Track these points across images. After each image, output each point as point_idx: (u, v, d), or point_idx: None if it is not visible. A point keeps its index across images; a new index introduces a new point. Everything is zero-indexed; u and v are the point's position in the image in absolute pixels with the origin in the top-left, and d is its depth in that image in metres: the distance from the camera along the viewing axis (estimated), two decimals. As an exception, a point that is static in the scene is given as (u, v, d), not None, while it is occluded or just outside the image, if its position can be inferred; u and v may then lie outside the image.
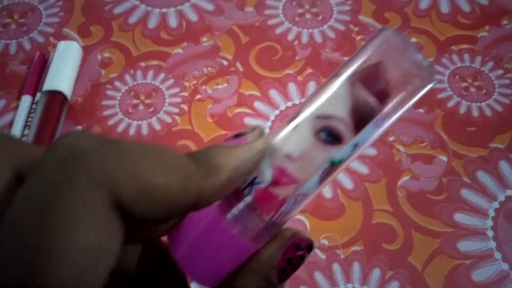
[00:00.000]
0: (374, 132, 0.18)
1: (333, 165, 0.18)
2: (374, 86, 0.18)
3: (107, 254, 0.15)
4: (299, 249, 0.19)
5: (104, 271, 0.15)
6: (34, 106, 0.45)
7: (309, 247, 0.19)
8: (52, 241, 0.14)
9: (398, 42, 0.18)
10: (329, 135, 0.18)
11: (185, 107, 0.46)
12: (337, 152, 0.18)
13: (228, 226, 0.18)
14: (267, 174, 0.18)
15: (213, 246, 0.18)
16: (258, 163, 0.18)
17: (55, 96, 0.44)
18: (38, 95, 0.45)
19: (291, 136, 0.18)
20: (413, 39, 0.49)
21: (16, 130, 0.44)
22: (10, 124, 0.45)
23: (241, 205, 0.18)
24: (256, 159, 0.17)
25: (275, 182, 0.18)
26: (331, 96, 0.18)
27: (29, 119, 0.44)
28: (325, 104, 0.18)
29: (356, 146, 0.18)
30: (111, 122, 0.45)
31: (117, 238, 0.15)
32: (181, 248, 0.18)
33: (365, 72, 0.18)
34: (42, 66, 0.48)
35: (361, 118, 0.18)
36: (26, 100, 0.45)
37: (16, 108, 0.46)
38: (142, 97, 0.46)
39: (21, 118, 0.44)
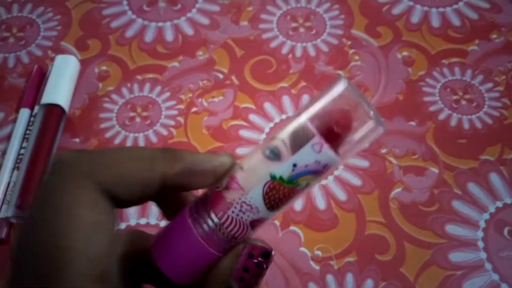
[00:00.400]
0: (312, 156, 0.20)
1: (274, 181, 0.20)
2: (322, 122, 0.20)
3: (103, 227, 0.20)
4: (253, 257, 0.21)
5: (102, 240, 0.20)
6: (32, 119, 0.45)
7: (264, 254, 0.21)
8: (59, 222, 0.19)
9: (349, 90, 0.21)
10: (271, 152, 0.20)
11: (181, 119, 0.47)
12: (276, 168, 0.20)
13: (190, 226, 0.21)
14: (225, 182, 0.21)
15: (179, 243, 0.21)
16: (219, 171, 0.21)
17: (53, 109, 0.45)
18: (36, 108, 0.46)
19: (250, 153, 0.22)
20: (405, 53, 0.50)
21: (15, 143, 0.44)
22: (9, 136, 0.45)
23: (200, 205, 0.21)
24: (215, 165, 0.21)
25: (226, 187, 0.21)
26: (285, 124, 0.21)
27: (28, 131, 0.45)
28: (278, 130, 0.21)
29: (295, 166, 0.20)
30: (108, 134, 0.46)
31: (109, 215, 0.20)
32: (158, 247, 0.21)
33: (318, 112, 0.21)
34: (40, 79, 0.48)
35: (299, 142, 0.20)
36: (24, 113, 0.46)
37: (14, 120, 0.46)
38: (139, 110, 0.47)
39: (19, 131, 0.45)
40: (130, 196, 0.21)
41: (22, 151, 0.44)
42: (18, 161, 0.43)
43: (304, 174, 0.20)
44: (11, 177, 0.43)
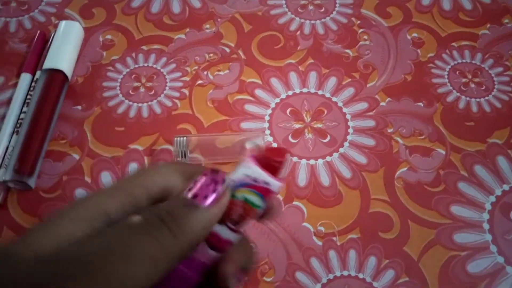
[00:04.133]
0: (243, 171, 0.24)
1: None
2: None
3: None
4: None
5: None
6: (33, 84, 0.44)
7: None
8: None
9: None
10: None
11: (186, 91, 0.46)
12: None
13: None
14: None
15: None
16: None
17: (56, 75, 0.44)
18: (38, 73, 0.45)
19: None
20: (414, 34, 0.50)
21: (15, 107, 0.43)
22: (9, 101, 0.44)
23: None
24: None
25: None
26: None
27: (28, 96, 0.44)
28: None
29: (233, 181, 0.24)
30: (111, 103, 0.45)
31: None
32: None
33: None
34: (42, 45, 0.47)
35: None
36: (25, 78, 0.45)
37: (15, 85, 0.45)
38: (143, 80, 0.46)
39: (19, 95, 0.44)
40: None
41: (22, 115, 0.43)
42: (18, 125, 0.42)
43: (237, 187, 0.23)
44: (10, 141, 0.42)
